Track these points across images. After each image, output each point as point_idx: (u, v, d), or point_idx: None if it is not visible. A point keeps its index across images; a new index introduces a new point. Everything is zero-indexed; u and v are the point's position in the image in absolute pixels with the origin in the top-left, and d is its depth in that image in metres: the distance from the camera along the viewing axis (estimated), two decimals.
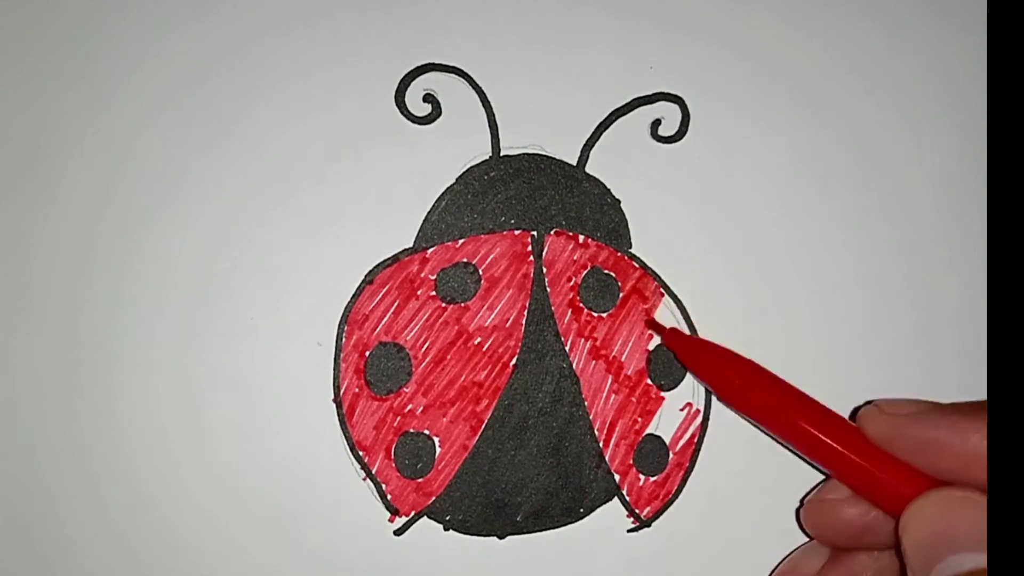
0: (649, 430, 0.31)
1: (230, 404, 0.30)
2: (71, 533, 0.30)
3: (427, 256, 0.31)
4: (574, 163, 0.31)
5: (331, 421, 0.30)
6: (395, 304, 0.31)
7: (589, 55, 0.31)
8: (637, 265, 0.31)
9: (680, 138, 0.32)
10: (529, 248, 0.31)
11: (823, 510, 0.29)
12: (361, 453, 0.30)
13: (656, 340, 0.32)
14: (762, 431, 0.30)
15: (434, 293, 0.31)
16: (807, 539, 0.31)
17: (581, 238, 0.31)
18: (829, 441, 0.27)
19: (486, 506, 0.31)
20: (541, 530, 0.31)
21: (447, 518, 0.31)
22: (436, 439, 0.31)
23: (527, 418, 0.31)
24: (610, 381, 0.31)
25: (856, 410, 0.29)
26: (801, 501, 0.31)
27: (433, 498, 0.31)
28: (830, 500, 0.29)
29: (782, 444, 0.30)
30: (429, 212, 0.31)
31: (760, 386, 0.29)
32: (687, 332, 0.31)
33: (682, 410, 0.32)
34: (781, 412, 0.28)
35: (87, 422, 0.30)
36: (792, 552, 0.31)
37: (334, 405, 0.30)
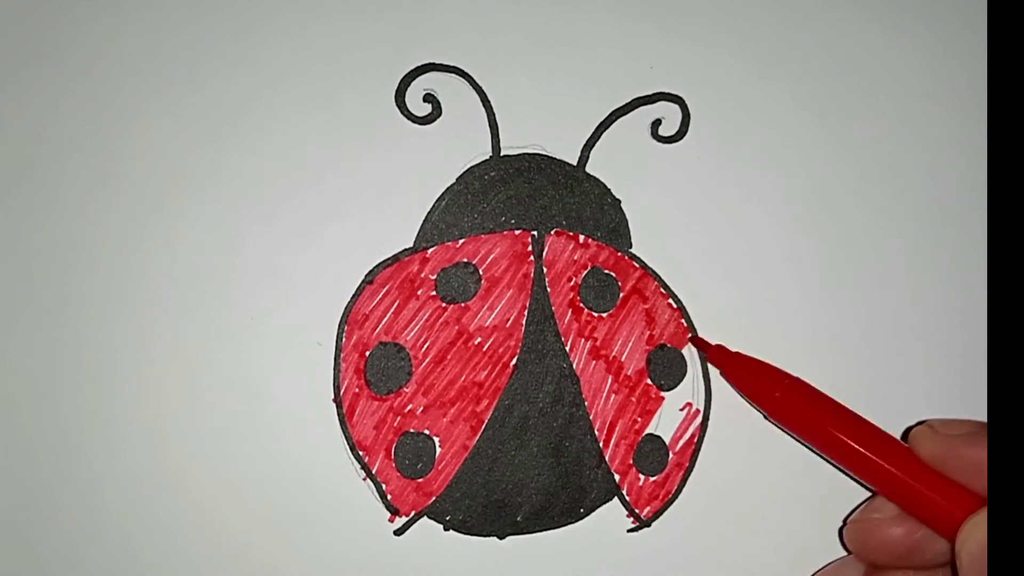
0: (649, 430, 0.31)
1: (230, 404, 0.30)
2: (71, 533, 0.30)
3: (427, 256, 0.31)
4: (574, 163, 0.31)
5: (331, 421, 0.30)
6: (395, 304, 0.31)
7: (589, 55, 0.31)
8: (637, 265, 0.31)
9: (680, 138, 0.32)
10: (529, 248, 0.31)
11: (869, 529, 0.29)
12: (361, 453, 0.30)
13: (657, 340, 0.32)
14: (808, 448, 0.30)
15: (434, 293, 0.31)
16: (809, 537, 0.31)
17: (581, 238, 0.31)
18: (881, 461, 0.28)
19: (486, 506, 0.31)
20: (541, 530, 0.31)
21: (447, 518, 0.31)
22: (436, 439, 0.31)
23: (527, 418, 0.31)
24: (610, 381, 0.31)
25: (908, 430, 0.30)
26: (844, 520, 0.31)
27: (433, 498, 0.31)
28: (877, 519, 0.29)
29: (828, 461, 0.30)
30: (429, 212, 0.31)
31: (808, 404, 0.29)
32: (689, 330, 0.31)
33: (682, 410, 0.32)
34: (830, 431, 0.28)
35: (87, 422, 0.30)
36: (826, 566, 0.31)
37: (334, 405, 0.30)
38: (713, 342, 0.31)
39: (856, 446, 0.28)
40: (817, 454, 0.30)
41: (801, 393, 0.29)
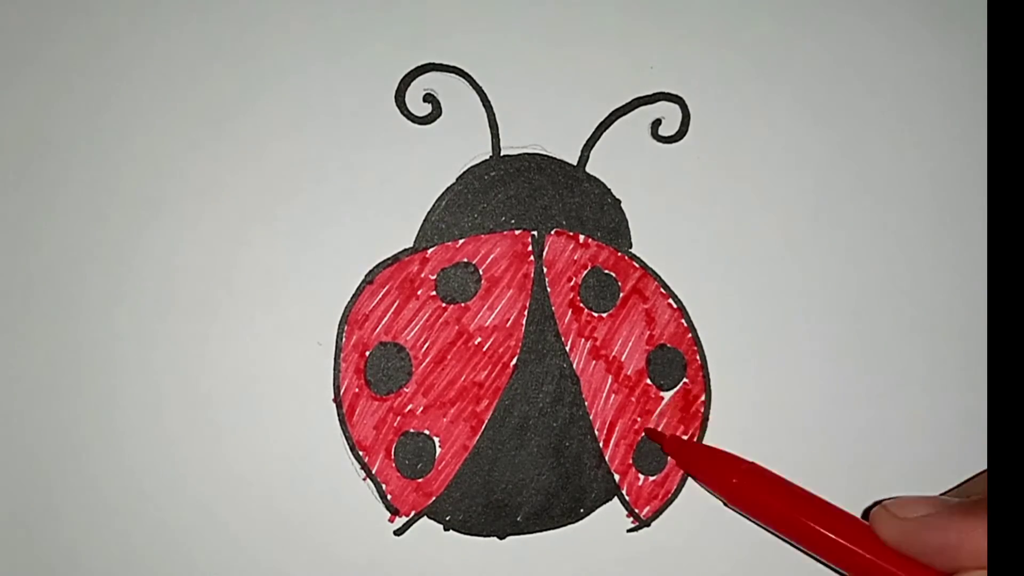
0: None
1: (230, 404, 0.30)
2: (71, 533, 0.30)
3: (427, 256, 0.31)
4: (574, 163, 0.31)
5: (331, 421, 0.30)
6: (395, 304, 0.31)
7: (589, 55, 0.31)
8: (637, 265, 0.31)
9: (680, 138, 0.32)
10: (529, 248, 0.31)
11: None
12: (361, 453, 0.30)
13: (657, 340, 0.32)
14: (772, 533, 0.30)
15: (434, 293, 0.31)
16: None
17: (581, 238, 0.31)
18: (845, 542, 0.27)
19: (486, 506, 0.31)
20: (541, 530, 0.31)
21: (447, 518, 0.31)
22: (436, 439, 0.31)
23: (527, 418, 0.31)
24: (610, 381, 0.31)
25: (868, 510, 0.29)
26: None
27: (433, 498, 0.31)
28: None
29: (793, 545, 0.29)
30: (429, 212, 0.31)
31: (767, 489, 0.29)
32: (689, 330, 0.32)
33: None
34: (792, 516, 0.28)
35: (88, 422, 0.30)
36: None
37: (334, 405, 0.30)
38: (716, 447, 0.31)
39: (821, 529, 0.28)
40: (784, 541, 0.30)
41: (759, 478, 0.29)
